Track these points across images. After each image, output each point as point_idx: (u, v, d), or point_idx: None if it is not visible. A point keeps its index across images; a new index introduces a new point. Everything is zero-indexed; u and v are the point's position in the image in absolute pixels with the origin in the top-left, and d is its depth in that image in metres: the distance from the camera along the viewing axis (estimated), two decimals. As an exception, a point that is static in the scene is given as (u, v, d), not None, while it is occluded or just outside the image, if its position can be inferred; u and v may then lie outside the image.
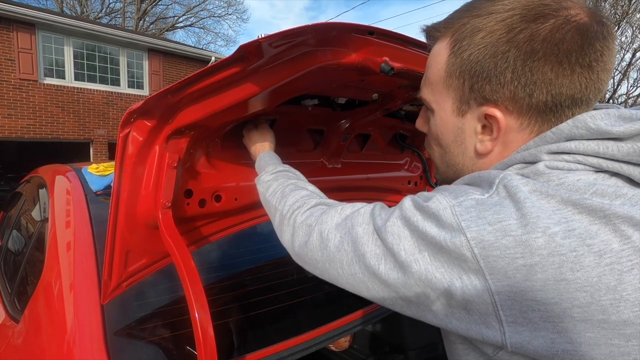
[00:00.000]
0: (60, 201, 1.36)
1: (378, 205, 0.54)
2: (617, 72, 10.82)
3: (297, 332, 0.95)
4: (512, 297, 0.38)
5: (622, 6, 9.97)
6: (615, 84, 10.90)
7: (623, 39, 10.50)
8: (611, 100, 11.16)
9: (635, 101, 10.71)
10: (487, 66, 0.46)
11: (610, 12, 10.19)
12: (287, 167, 0.83)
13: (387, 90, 1.00)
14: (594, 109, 0.46)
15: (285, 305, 1.09)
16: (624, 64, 10.67)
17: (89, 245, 1.08)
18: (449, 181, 0.57)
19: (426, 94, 0.55)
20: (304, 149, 1.25)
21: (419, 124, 0.62)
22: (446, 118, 0.52)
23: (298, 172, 0.82)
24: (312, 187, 0.75)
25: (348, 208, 0.57)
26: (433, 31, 0.52)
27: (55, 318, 0.91)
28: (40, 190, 1.63)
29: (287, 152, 1.19)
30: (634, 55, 10.42)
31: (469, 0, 0.50)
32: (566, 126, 0.45)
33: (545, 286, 0.37)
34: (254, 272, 1.25)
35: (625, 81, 10.94)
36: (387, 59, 0.68)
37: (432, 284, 0.42)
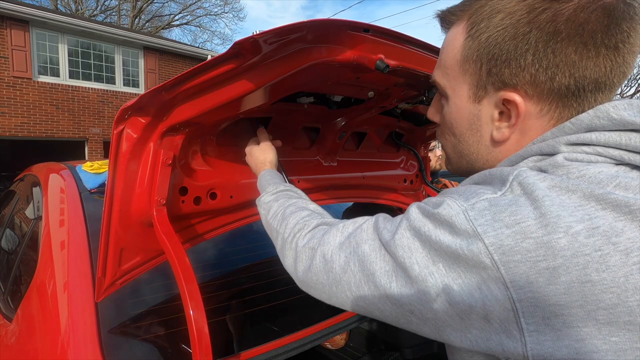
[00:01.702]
0: (54, 199, 1.35)
1: (381, 217, 0.51)
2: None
3: (292, 329, 0.95)
4: (535, 303, 0.36)
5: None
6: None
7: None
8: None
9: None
10: (506, 48, 0.43)
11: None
12: (288, 186, 0.80)
13: (383, 88, 1.00)
14: (624, 99, 0.45)
15: (280, 303, 1.09)
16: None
17: (83, 244, 1.07)
18: (461, 172, 0.56)
19: (440, 78, 0.53)
20: (299, 147, 1.25)
21: (431, 113, 0.59)
22: (461, 105, 0.50)
23: (300, 191, 0.79)
24: (313, 206, 0.71)
25: (350, 225, 0.54)
26: (448, 15, 0.50)
27: (49, 316, 0.91)
28: (34, 188, 1.61)
29: (283, 150, 1.19)
30: None
31: None
32: (587, 116, 0.42)
33: (570, 289, 0.35)
34: (249, 269, 1.25)
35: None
36: (382, 56, 0.68)
37: (451, 298, 0.39)
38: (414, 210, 0.45)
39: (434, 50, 0.82)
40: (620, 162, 0.41)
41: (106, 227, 0.83)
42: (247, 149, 0.96)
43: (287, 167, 1.22)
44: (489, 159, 0.51)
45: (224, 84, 0.70)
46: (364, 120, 1.24)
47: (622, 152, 0.41)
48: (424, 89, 0.97)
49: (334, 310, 1.08)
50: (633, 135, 0.41)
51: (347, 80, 0.88)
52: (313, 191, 1.34)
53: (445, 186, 2.22)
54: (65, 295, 0.92)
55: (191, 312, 0.69)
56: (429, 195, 1.85)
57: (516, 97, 0.45)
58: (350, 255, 0.49)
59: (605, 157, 0.42)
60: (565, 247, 0.35)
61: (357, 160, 1.45)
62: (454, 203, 0.41)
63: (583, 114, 0.43)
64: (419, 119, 1.49)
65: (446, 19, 0.51)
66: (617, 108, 0.41)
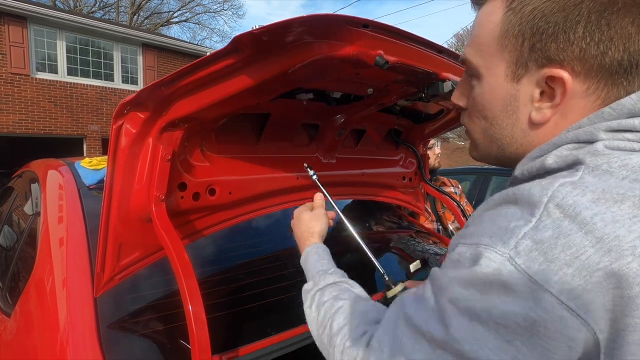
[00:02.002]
0: (53, 195, 1.35)
1: (406, 309, 0.44)
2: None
3: (292, 325, 0.95)
4: (616, 336, 0.33)
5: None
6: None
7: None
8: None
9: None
10: (554, 21, 0.40)
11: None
12: (336, 275, 0.68)
13: (382, 85, 1.00)
14: None
15: (280, 298, 1.10)
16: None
17: (82, 240, 1.07)
18: (490, 159, 0.52)
19: (472, 57, 0.48)
20: (299, 144, 1.25)
21: (456, 97, 0.54)
22: (497, 84, 0.46)
23: (349, 282, 0.68)
24: (361, 307, 0.59)
25: (384, 337, 0.45)
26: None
27: (47, 311, 0.91)
28: (32, 184, 1.61)
29: (282, 146, 1.19)
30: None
31: None
32: (629, 101, 0.39)
33: None
34: (248, 266, 1.25)
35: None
36: (381, 52, 0.68)
37: None
38: (449, 281, 0.39)
39: (434, 47, 0.82)
40: None
41: (105, 222, 0.83)
42: (297, 212, 0.85)
43: (287, 164, 1.22)
44: (523, 142, 0.47)
45: (223, 80, 0.70)
46: (363, 117, 1.24)
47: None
48: (423, 85, 0.97)
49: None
50: None
51: (346, 76, 0.88)
52: (312, 188, 1.34)
53: (444, 184, 2.21)
54: (64, 291, 0.92)
55: (190, 308, 0.69)
56: (427, 194, 1.85)
57: (563, 74, 0.41)
58: None
59: None
60: (638, 272, 0.32)
61: (356, 158, 1.46)
62: (492, 253, 0.36)
63: (625, 98, 0.40)
64: (418, 116, 1.49)
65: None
66: None
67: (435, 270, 0.43)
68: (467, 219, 1.66)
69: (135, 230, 0.87)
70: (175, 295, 0.74)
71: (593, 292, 0.32)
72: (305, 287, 0.69)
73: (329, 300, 0.61)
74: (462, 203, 2.05)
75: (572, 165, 0.40)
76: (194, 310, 0.69)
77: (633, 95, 0.40)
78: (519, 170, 0.46)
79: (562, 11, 0.40)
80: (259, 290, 1.11)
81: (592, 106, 0.42)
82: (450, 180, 2.22)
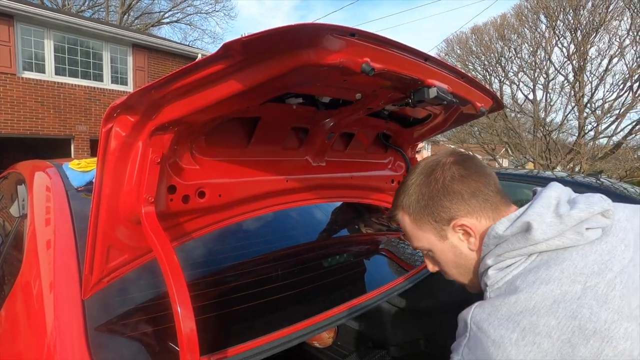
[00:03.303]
0: (40, 197, 1.34)
1: None
2: (595, 77, 11.19)
3: (280, 326, 0.96)
4: None
5: (600, 13, 10.31)
6: (593, 89, 11.28)
7: (601, 45, 10.87)
8: (589, 104, 11.52)
9: (611, 105, 11.10)
10: (432, 207, 0.71)
11: (589, 19, 10.52)
12: None
13: (370, 90, 1.02)
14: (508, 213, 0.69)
15: (268, 300, 1.11)
16: (600, 69, 11.05)
17: (70, 242, 1.07)
18: (479, 287, 0.72)
19: (419, 245, 0.77)
20: (289, 147, 1.26)
21: (431, 268, 0.80)
22: (439, 248, 0.74)
23: None
24: None
25: None
26: (392, 215, 0.80)
27: (34, 314, 0.90)
28: (18, 186, 1.59)
29: (272, 150, 1.21)
30: (610, 61, 10.80)
31: (396, 190, 0.80)
32: (485, 242, 0.66)
33: None
34: (237, 267, 1.26)
35: (602, 86, 11.32)
36: (368, 59, 0.70)
37: None
38: None
39: (419, 55, 0.84)
40: (529, 254, 0.61)
41: (94, 224, 0.84)
42: None
43: (276, 167, 1.23)
44: (476, 263, 0.71)
45: (212, 84, 0.71)
46: (352, 121, 1.26)
47: (520, 251, 0.61)
48: (410, 91, 0.99)
49: (321, 307, 1.09)
50: (512, 240, 0.62)
51: (334, 82, 0.90)
52: (302, 191, 1.36)
53: None
54: (51, 294, 0.92)
55: (179, 310, 0.70)
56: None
57: (461, 220, 0.69)
58: None
59: (516, 257, 0.61)
60: (517, 354, 0.52)
61: (345, 161, 1.48)
62: None
63: (484, 240, 0.66)
64: (407, 120, 1.52)
65: (392, 217, 0.80)
66: (493, 229, 0.64)
67: None
68: None
69: (124, 233, 0.87)
70: (164, 297, 0.75)
71: None
72: None
73: None
74: None
75: (485, 288, 0.65)
76: (183, 312, 0.70)
77: (485, 238, 0.66)
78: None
79: (432, 200, 0.71)
80: (247, 291, 1.12)
81: (487, 221, 0.69)
82: None
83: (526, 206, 0.65)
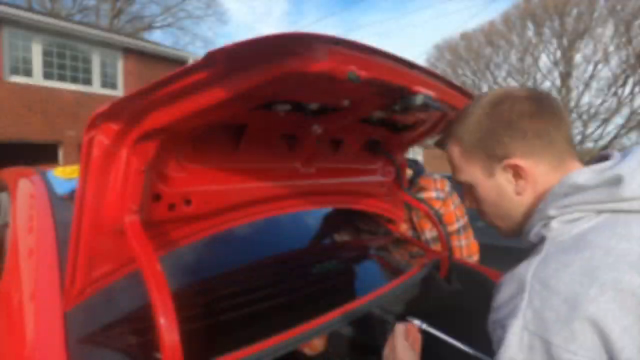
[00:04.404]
0: (23, 205, 1.31)
1: None
2: (581, 82, 11.42)
3: (268, 334, 0.95)
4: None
5: (585, 20, 10.55)
6: (579, 94, 11.51)
7: (586, 51, 11.11)
8: (575, 109, 11.75)
9: (597, 110, 11.33)
10: (489, 140, 0.66)
11: (574, 26, 10.75)
12: None
13: (357, 97, 1.02)
14: (592, 162, 0.63)
15: (256, 308, 1.09)
16: (586, 75, 11.28)
17: (53, 251, 1.04)
18: (513, 232, 0.71)
19: (462, 177, 0.73)
20: (277, 154, 1.26)
21: (468, 204, 0.77)
22: (483, 184, 0.69)
23: None
24: None
25: None
26: (441, 142, 0.78)
27: (14, 326, 0.88)
28: (1, 193, 1.56)
29: (260, 156, 1.20)
30: (595, 67, 11.04)
31: (455, 116, 0.75)
32: (557, 188, 0.59)
33: (622, 335, 0.46)
34: (224, 275, 1.25)
35: (588, 92, 11.55)
36: (354, 68, 0.71)
37: None
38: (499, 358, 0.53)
39: (404, 62, 0.85)
40: (600, 212, 0.56)
41: (75, 234, 0.82)
42: (391, 343, 0.90)
43: (265, 174, 1.23)
44: (522, 210, 0.66)
45: (197, 92, 0.71)
46: (341, 128, 1.26)
47: (593, 206, 0.56)
48: (397, 98, 1.00)
49: (311, 314, 1.08)
50: (591, 193, 0.56)
51: (321, 90, 0.90)
52: (291, 197, 1.35)
53: (426, 190, 2.22)
54: (32, 305, 0.90)
55: (161, 321, 0.69)
56: (405, 202, 1.89)
57: (516, 161, 0.64)
58: None
59: (584, 212, 0.56)
60: (596, 312, 0.46)
61: (335, 167, 1.48)
62: (513, 327, 0.51)
63: (555, 187, 0.60)
64: (395, 126, 1.52)
65: (442, 144, 0.76)
66: (571, 178, 0.58)
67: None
68: (444, 233, 1.65)
69: (108, 242, 0.85)
70: (149, 308, 0.73)
71: (582, 335, 0.46)
72: None
73: None
74: (446, 209, 2.03)
75: (541, 239, 0.60)
76: (165, 323, 0.69)
77: (557, 185, 0.60)
78: (523, 244, 0.67)
79: (491, 134, 0.66)
80: (235, 300, 1.11)
81: (545, 169, 0.64)
82: (437, 181, 2.09)
83: (611, 161, 0.60)
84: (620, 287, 0.46)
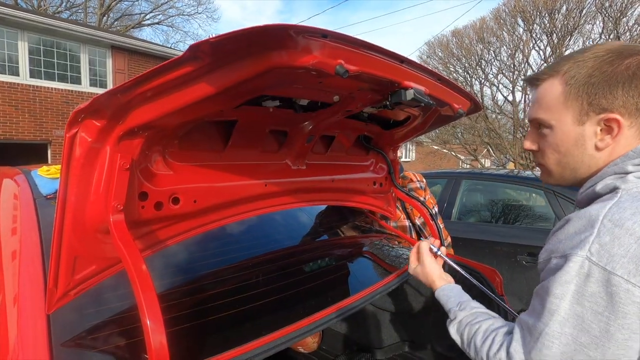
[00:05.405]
0: (7, 206, 1.27)
1: (524, 326, 0.63)
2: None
3: (261, 333, 0.94)
4: None
5: (574, 17, 10.67)
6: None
7: (575, 47, 11.23)
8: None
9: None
10: (602, 87, 0.64)
11: (563, 22, 10.86)
12: (467, 308, 0.82)
13: (347, 93, 1.01)
14: None
15: (247, 307, 1.08)
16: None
17: (37, 253, 1.01)
18: (564, 181, 0.73)
19: (544, 114, 0.71)
20: (267, 150, 1.24)
21: (528, 145, 0.76)
22: (567, 128, 0.68)
23: (476, 307, 0.82)
24: (491, 325, 0.75)
25: (517, 347, 0.63)
26: (537, 76, 0.72)
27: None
28: (-16, 194, 1.51)
29: (250, 153, 1.18)
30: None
31: (567, 54, 0.71)
32: None
33: None
34: (214, 274, 1.23)
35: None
36: (342, 61, 0.69)
37: (627, 325, 0.53)
38: (550, 284, 0.59)
39: (395, 57, 0.84)
40: None
41: (58, 235, 0.79)
42: (415, 258, 0.99)
43: (255, 171, 1.21)
44: (590, 164, 0.68)
45: (181, 87, 0.69)
46: (331, 124, 1.24)
47: None
48: (387, 93, 0.98)
49: (304, 311, 1.07)
50: None
51: (310, 84, 0.88)
52: (282, 195, 1.33)
53: (411, 180, 2.28)
54: (15, 308, 0.87)
55: (148, 322, 0.67)
56: (398, 198, 1.89)
57: (617, 116, 0.64)
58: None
59: None
60: None
61: (326, 164, 1.46)
62: (575, 257, 0.56)
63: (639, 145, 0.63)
64: (386, 122, 1.51)
65: (538, 78, 0.72)
66: None
67: (538, 287, 0.62)
68: (434, 220, 1.68)
69: (92, 243, 0.83)
70: (135, 310, 0.71)
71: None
72: (448, 320, 0.85)
73: (466, 328, 0.78)
74: (427, 197, 2.25)
75: (613, 189, 0.62)
76: (152, 325, 0.67)
77: None
78: (581, 193, 0.70)
79: (606, 82, 0.64)
80: (226, 299, 1.09)
81: (634, 134, 0.65)
82: (415, 174, 2.34)
83: None
84: None
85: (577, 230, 0.59)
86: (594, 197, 0.66)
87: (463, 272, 1.00)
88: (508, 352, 0.64)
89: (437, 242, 1.01)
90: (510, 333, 0.68)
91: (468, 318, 0.80)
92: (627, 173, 0.62)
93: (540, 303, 0.60)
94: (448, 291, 0.89)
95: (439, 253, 0.99)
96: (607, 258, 0.53)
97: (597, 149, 0.67)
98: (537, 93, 0.73)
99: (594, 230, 0.56)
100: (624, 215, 0.55)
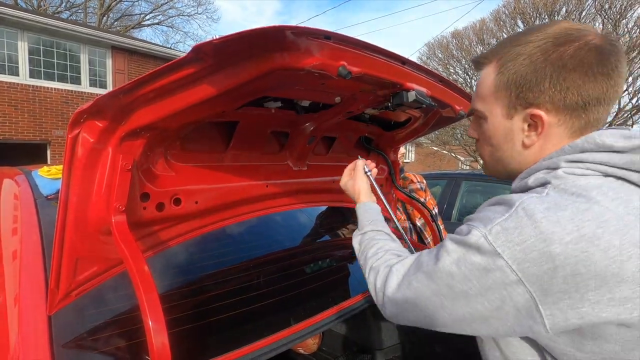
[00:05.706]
0: (7, 206, 1.27)
1: (417, 258, 0.67)
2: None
3: (262, 334, 0.94)
4: (545, 292, 0.51)
5: (573, 19, 10.70)
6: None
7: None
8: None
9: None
10: (529, 79, 0.60)
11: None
12: (375, 224, 0.89)
13: (349, 94, 1.01)
14: (610, 128, 0.60)
15: (249, 309, 1.08)
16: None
17: (37, 253, 1.01)
18: (498, 175, 0.72)
19: (479, 105, 0.68)
20: (269, 152, 1.24)
21: (471, 132, 0.75)
22: (497, 122, 0.66)
23: (383, 229, 0.88)
24: (389, 245, 0.82)
25: (401, 269, 0.68)
26: (481, 59, 0.67)
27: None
28: (-16, 194, 1.51)
29: (251, 155, 1.18)
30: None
31: (509, 35, 0.67)
32: (580, 141, 0.59)
33: (566, 280, 0.50)
34: (216, 276, 1.23)
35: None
36: (344, 63, 0.69)
37: (488, 299, 0.55)
38: (449, 239, 0.60)
39: (397, 58, 0.84)
40: (606, 175, 0.56)
41: (60, 236, 0.79)
42: (350, 173, 1.06)
43: (256, 172, 1.21)
44: (520, 160, 0.66)
45: (184, 89, 0.69)
46: (333, 125, 1.25)
47: (606, 167, 0.56)
48: (389, 94, 0.99)
49: (305, 313, 1.07)
50: (613, 155, 0.56)
51: (312, 85, 0.88)
52: (283, 196, 1.33)
53: (411, 181, 2.30)
54: (16, 309, 0.87)
55: (150, 323, 0.67)
56: (398, 199, 1.89)
57: (541, 112, 0.60)
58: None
59: (594, 171, 0.57)
60: (560, 254, 0.50)
61: (327, 165, 1.46)
62: (476, 230, 0.56)
63: (578, 140, 0.59)
64: (387, 123, 1.52)
65: (479, 61, 0.68)
66: (601, 135, 0.57)
67: (446, 237, 0.63)
68: (434, 222, 1.70)
69: (93, 244, 0.83)
70: (137, 311, 0.71)
71: (529, 263, 0.51)
72: (355, 231, 0.92)
73: (367, 240, 0.85)
74: (427, 198, 2.27)
75: (543, 184, 0.59)
76: (154, 325, 0.67)
77: (582, 137, 0.59)
78: (513, 185, 0.67)
79: (534, 73, 0.59)
80: (227, 300, 1.09)
81: (564, 133, 0.61)
82: (416, 175, 2.36)
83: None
84: (596, 243, 0.49)
85: (494, 210, 0.58)
86: (526, 190, 0.62)
87: (379, 191, 1.06)
88: (391, 269, 0.69)
89: (371, 163, 1.07)
90: (401, 257, 0.72)
91: (373, 233, 0.85)
92: (559, 168, 0.59)
93: (437, 249, 0.63)
94: (368, 207, 0.94)
95: (368, 174, 1.04)
96: (502, 241, 0.53)
97: (524, 146, 0.64)
98: (479, 79, 0.69)
99: (505, 214, 0.55)
100: (538, 208, 0.53)
